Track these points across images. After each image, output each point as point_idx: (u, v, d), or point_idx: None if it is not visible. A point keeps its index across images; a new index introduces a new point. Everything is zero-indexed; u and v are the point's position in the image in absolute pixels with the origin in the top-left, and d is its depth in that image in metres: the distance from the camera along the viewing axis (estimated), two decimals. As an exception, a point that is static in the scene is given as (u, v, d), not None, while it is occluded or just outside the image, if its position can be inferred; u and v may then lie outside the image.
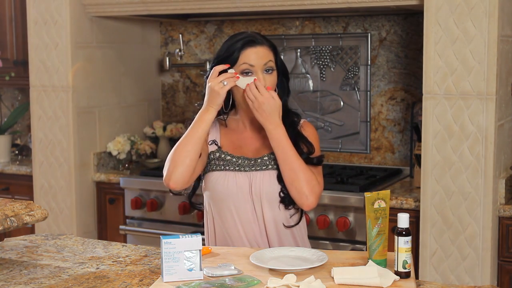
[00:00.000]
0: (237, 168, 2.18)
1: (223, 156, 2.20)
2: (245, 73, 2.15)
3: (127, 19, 3.94)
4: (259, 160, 2.19)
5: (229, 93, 2.22)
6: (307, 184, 2.13)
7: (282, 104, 2.21)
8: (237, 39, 2.18)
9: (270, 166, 2.18)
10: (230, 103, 2.24)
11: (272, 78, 2.18)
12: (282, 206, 2.18)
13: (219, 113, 2.23)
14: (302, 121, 2.28)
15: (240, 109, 2.25)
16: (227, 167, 2.18)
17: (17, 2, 4.04)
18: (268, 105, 2.10)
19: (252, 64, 2.14)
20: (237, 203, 2.17)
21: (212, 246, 2.11)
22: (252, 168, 2.18)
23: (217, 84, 2.09)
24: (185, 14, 3.86)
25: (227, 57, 2.16)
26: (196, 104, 2.37)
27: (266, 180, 2.16)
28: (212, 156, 2.21)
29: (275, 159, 2.18)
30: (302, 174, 2.12)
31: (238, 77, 2.13)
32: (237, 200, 2.17)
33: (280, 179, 2.17)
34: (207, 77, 2.20)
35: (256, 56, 2.14)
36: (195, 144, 2.10)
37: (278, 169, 2.17)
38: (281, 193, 2.17)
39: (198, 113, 2.15)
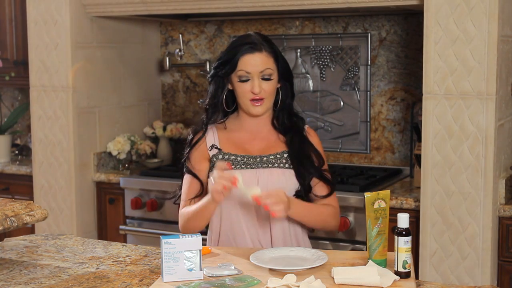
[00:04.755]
0: (243, 166, 2.19)
1: (226, 156, 2.21)
2: (242, 80, 2.16)
3: (127, 19, 3.94)
4: (264, 158, 2.21)
5: (232, 93, 2.23)
6: (334, 220, 2.25)
7: (286, 107, 2.27)
8: (238, 43, 2.20)
9: (276, 165, 2.20)
10: (234, 105, 2.28)
11: (269, 86, 2.19)
12: None
13: (218, 116, 2.28)
14: (305, 126, 2.31)
15: (241, 109, 2.26)
16: (232, 166, 2.19)
17: (17, 2, 4.04)
18: (281, 202, 2.03)
19: (249, 71, 2.16)
20: (243, 203, 2.17)
21: (212, 246, 2.11)
22: (259, 166, 2.20)
23: (216, 193, 2.01)
24: (185, 14, 3.86)
25: (227, 61, 2.19)
26: (198, 102, 2.38)
27: (274, 178, 2.18)
28: (215, 159, 2.21)
29: (281, 159, 2.21)
30: (329, 217, 2.23)
31: (236, 182, 2.00)
32: (243, 200, 2.16)
33: (287, 178, 2.19)
34: (210, 76, 2.24)
35: (253, 63, 2.16)
36: (205, 220, 2.18)
37: (284, 167, 2.20)
38: (295, 195, 2.20)
39: (206, 201, 2.10)
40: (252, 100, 2.18)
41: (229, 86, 2.23)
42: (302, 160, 2.21)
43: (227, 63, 2.18)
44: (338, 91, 3.77)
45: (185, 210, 2.20)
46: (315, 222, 2.22)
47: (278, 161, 2.21)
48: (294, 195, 2.20)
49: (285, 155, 2.22)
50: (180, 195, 2.29)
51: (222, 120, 2.29)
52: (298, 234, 2.25)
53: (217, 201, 2.03)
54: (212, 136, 2.26)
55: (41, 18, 3.68)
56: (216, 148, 2.23)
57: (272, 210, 1.99)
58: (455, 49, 2.80)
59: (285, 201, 2.04)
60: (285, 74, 2.24)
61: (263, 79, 2.17)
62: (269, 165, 2.20)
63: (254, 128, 2.27)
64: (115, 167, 3.90)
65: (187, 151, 2.26)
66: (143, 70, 4.14)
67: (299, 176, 2.20)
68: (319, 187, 2.25)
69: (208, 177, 2.21)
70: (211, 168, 2.22)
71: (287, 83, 2.26)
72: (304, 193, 2.22)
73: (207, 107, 2.26)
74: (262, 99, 2.18)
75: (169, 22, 4.18)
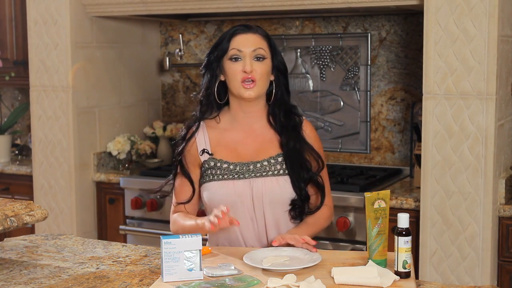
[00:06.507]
0: (236, 176, 2.13)
1: (219, 164, 2.15)
2: (234, 59, 2.13)
3: (127, 19, 3.94)
4: (258, 165, 2.14)
5: (224, 84, 2.18)
6: (329, 221, 2.27)
7: (282, 103, 2.19)
8: (231, 28, 2.20)
9: (270, 172, 2.13)
10: (226, 97, 2.21)
11: (263, 66, 2.13)
12: (284, 210, 2.16)
13: (211, 110, 2.20)
14: (303, 118, 2.23)
15: (233, 102, 2.19)
16: (225, 176, 2.13)
17: (17, 2, 4.04)
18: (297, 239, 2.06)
19: (241, 49, 2.13)
20: (237, 211, 2.11)
21: (212, 246, 2.11)
22: (252, 174, 2.13)
23: (211, 224, 1.97)
24: (185, 14, 3.86)
25: (219, 44, 2.17)
26: (192, 95, 2.33)
27: (267, 188, 2.12)
28: (207, 166, 2.16)
29: (275, 164, 2.15)
30: (326, 221, 2.24)
31: (234, 222, 1.98)
32: (237, 208, 2.11)
33: (281, 187, 2.13)
34: (203, 67, 2.20)
35: (245, 41, 2.13)
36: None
37: (278, 174, 2.14)
38: (291, 205, 2.16)
39: (201, 224, 2.04)
40: (244, 81, 2.11)
41: (221, 78, 2.18)
42: (297, 165, 2.14)
43: (219, 45, 2.16)
44: (338, 91, 3.77)
45: (177, 221, 2.16)
46: (318, 233, 2.21)
47: (272, 168, 2.13)
48: (290, 204, 2.15)
49: (279, 159, 2.15)
50: (168, 192, 2.27)
51: (215, 115, 2.21)
52: None
53: (210, 231, 1.99)
54: (202, 137, 2.19)
55: (41, 18, 3.68)
56: (207, 153, 2.17)
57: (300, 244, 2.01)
58: (455, 49, 2.80)
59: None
60: (279, 66, 2.18)
61: (256, 59, 2.13)
62: (263, 174, 2.13)
63: (247, 124, 2.19)
64: (115, 167, 3.90)
65: (181, 147, 2.19)
66: (143, 70, 4.14)
67: (294, 185, 2.14)
68: (316, 196, 2.21)
69: (200, 184, 2.18)
70: (202, 174, 2.18)
71: (281, 75, 2.19)
72: (300, 203, 2.16)
73: (201, 99, 2.19)
74: (253, 81, 2.11)
75: (169, 22, 4.18)
